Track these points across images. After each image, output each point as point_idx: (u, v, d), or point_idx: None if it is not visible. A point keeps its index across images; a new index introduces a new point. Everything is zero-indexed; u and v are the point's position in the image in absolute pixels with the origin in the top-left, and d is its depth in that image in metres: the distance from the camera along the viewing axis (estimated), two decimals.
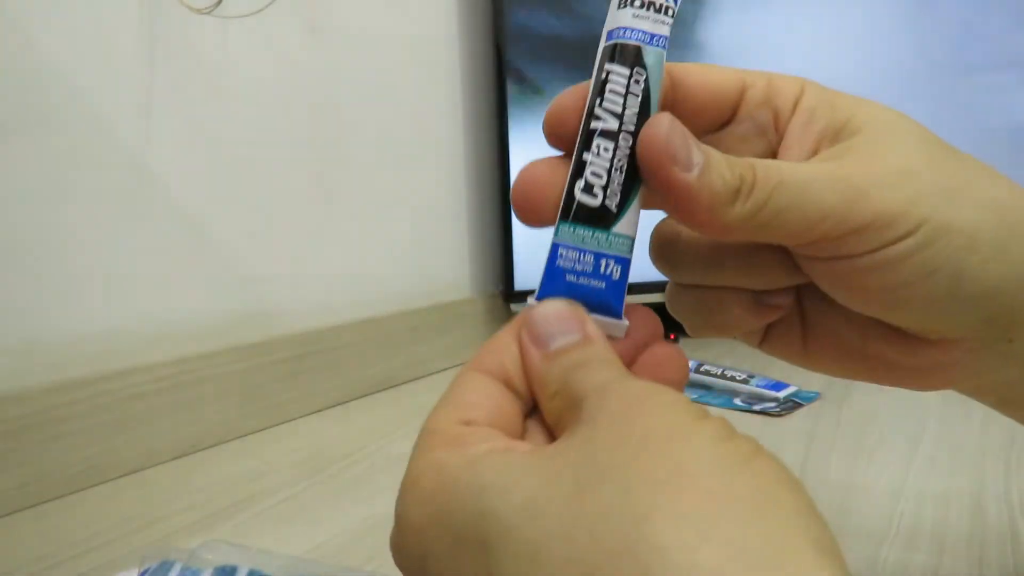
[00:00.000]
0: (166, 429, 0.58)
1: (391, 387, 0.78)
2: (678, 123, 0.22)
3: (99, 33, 0.56)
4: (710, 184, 0.21)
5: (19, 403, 0.49)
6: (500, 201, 0.94)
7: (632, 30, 0.23)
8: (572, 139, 0.23)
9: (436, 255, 0.88)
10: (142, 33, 0.59)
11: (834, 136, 0.25)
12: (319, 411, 0.71)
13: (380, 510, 0.47)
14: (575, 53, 0.86)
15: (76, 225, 0.55)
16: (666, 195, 0.22)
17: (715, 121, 0.26)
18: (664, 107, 0.24)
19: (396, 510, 0.21)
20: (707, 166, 0.21)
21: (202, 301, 0.64)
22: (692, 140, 0.22)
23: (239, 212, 0.67)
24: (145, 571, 0.36)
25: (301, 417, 0.69)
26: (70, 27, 0.54)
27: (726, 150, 0.23)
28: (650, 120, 0.22)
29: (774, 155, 0.26)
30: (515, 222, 0.83)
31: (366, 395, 0.76)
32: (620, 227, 0.23)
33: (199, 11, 0.62)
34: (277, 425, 0.67)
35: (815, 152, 0.25)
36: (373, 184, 0.80)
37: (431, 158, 0.89)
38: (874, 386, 0.29)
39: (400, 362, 0.80)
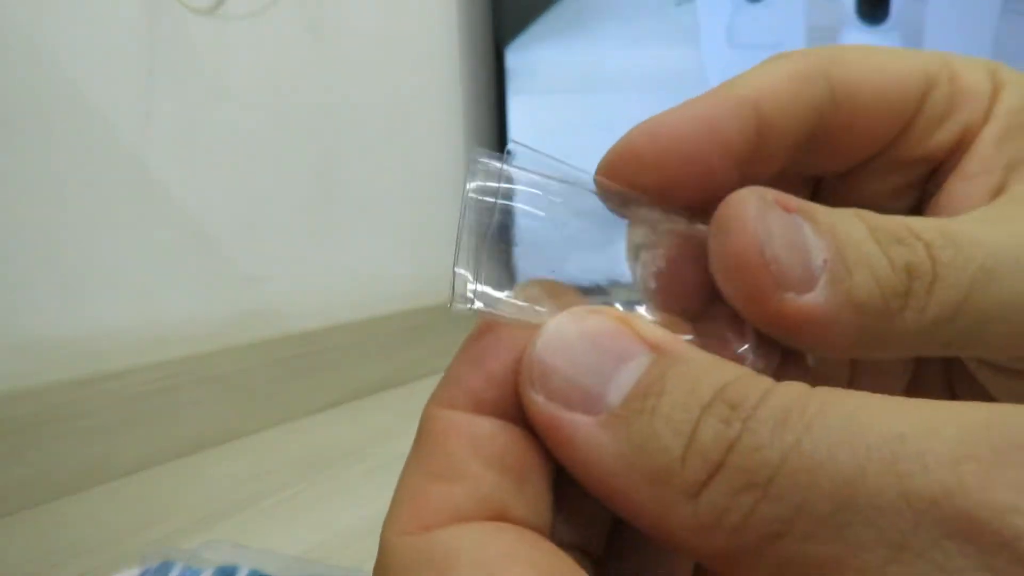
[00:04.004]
0: (166, 429, 0.58)
1: (391, 387, 0.78)
2: (770, 197, 0.13)
3: (99, 33, 0.56)
4: (853, 300, 0.13)
5: (19, 403, 0.49)
6: None
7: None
8: None
9: (436, 255, 0.88)
10: (142, 33, 0.59)
11: None
12: (319, 411, 0.71)
13: (380, 510, 0.47)
14: (575, 52, 0.87)
15: (76, 225, 0.55)
16: (767, 328, 0.13)
17: (872, 150, 0.18)
18: (811, 137, 0.16)
19: None
20: (838, 269, 0.13)
21: (202, 301, 0.64)
22: (804, 223, 0.13)
23: (239, 212, 0.67)
24: (145, 571, 0.36)
25: (301, 417, 0.69)
26: (70, 27, 0.54)
27: (862, 186, 0.16)
28: (727, 201, 0.13)
29: (928, 201, 0.18)
30: None
31: (366, 395, 0.76)
32: None
33: (199, 11, 0.62)
34: (277, 425, 0.67)
35: (1000, 190, 0.16)
36: (373, 184, 0.80)
37: (431, 158, 0.89)
38: None
39: (400, 362, 0.80)
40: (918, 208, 0.18)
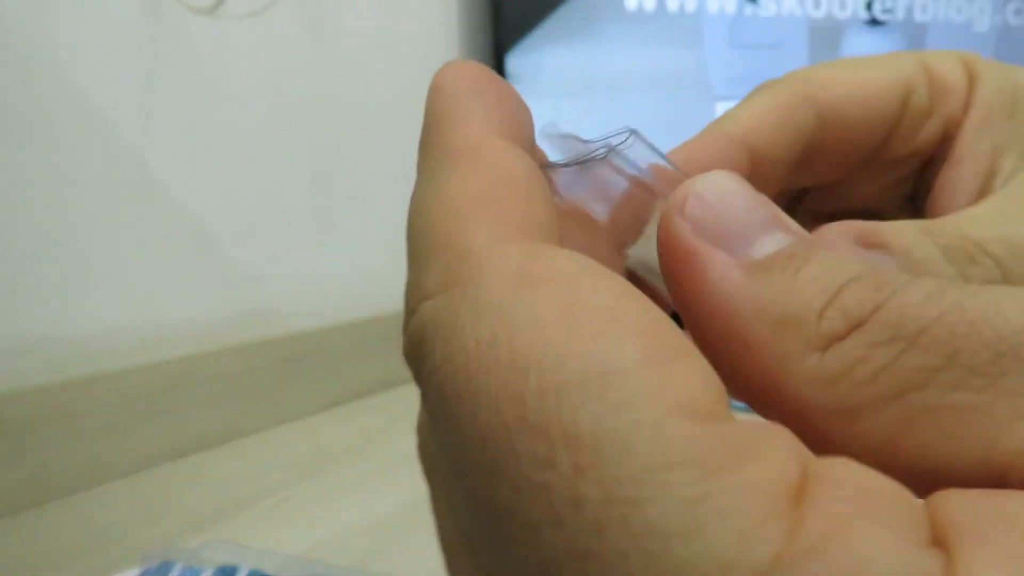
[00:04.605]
0: (166, 429, 0.58)
1: (391, 387, 0.78)
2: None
3: (99, 33, 0.56)
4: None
5: (19, 403, 0.49)
6: None
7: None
8: None
9: None
10: (142, 33, 0.59)
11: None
12: (319, 411, 0.71)
13: (380, 510, 0.47)
14: (575, 53, 0.86)
15: (76, 225, 0.55)
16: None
17: (862, 156, 0.19)
18: (803, 158, 0.18)
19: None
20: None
21: (202, 301, 0.64)
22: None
23: (239, 212, 0.67)
24: (145, 571, 0.36)
25: (301, 417, 0.69)
26: (70, 27, 0.54)
27: (852, 188, 0.17)
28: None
29: (922, 194, 0.19)
30: None
31: (366, 395, 0.76)
32: None
33: (199, 11, 0.62)
34: (277, 425, 0.67)
35: (990, 173, 0.17)
36: (373, 184, 0.80)
37: None
38: None
39: (400, 362, 0.79)
40: (913, 198, 0.19)
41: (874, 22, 0.97)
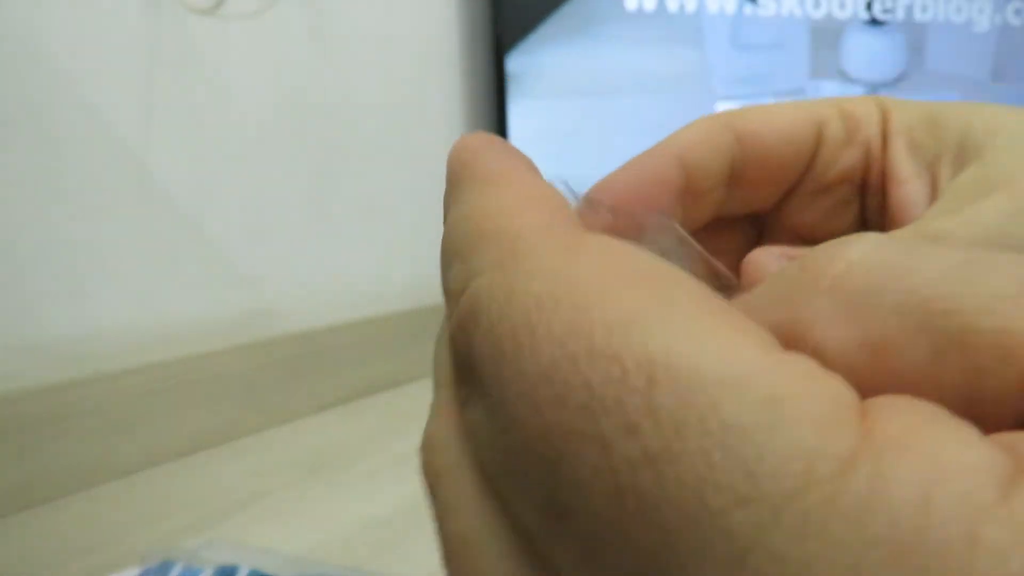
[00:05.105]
0: (166, 429, 0.58)
1: (391, 387, 0.78)
2: (777, 252, 0.19)
3: (99, 33, 0.56)
4: None
5: (19, 403, 0.49)
6: None
7: None
8: None
9: (436, 254, 0.88)
10: (142, 33, 0.59)
11: (955, 161, 0.19)
12: (319, 411, 0.71)
13: (380, 510, 0.47)
14: (575, 53, 0.86)
15: (76, 225, 0.55)
16: None
17: (789, 180, 0.22)
18: (731, 175, 0.21)
19: None
20: None
21: (202, 301, 0.64)
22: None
23: (239, 212, 0.67)
24: (145, 571, 0.36)
25: (301, 417, 0.69)
26: (70, 28, 0.54)
27: (809, 222, 0.20)
28: (748, 259, 0.20)
29: (874, 219, 0.21)
30: None
31: (366, 395, 0.76)
32: None
33: (199, 11, 0.62)
34: (277, 425, 0.67)
35: (934, 183, 0.19)
36: (373, 184, 0.80)
37: (431, 158, 0.89)
38: None
39: (400, 362, 0.80)
40: (860, 222, 0.22)
41: (874, 22, 0.97)
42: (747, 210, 0.22)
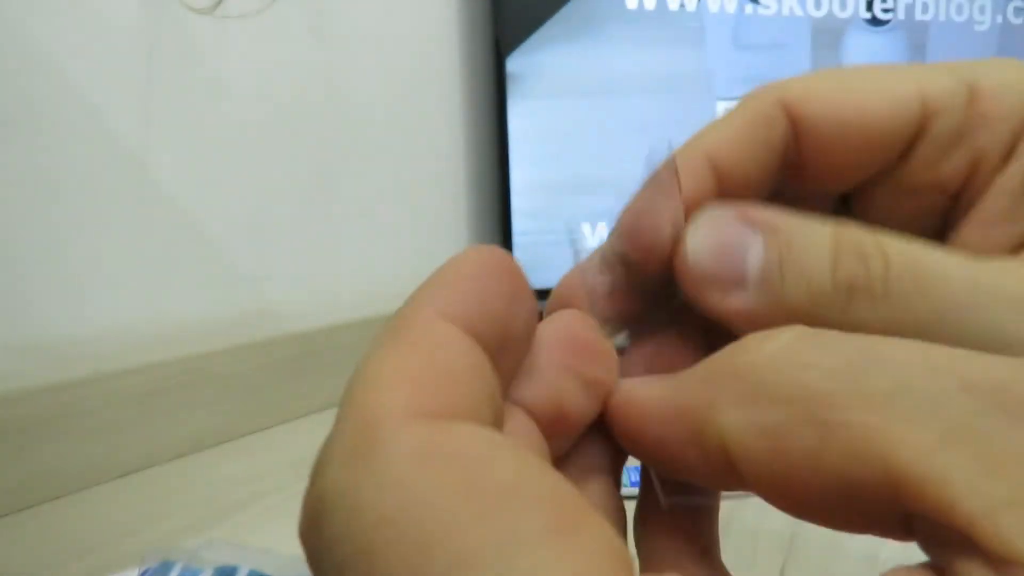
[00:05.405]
0: (166, 429, 0.58)
1: None
2: (729, 211, 0.15)
3: (99, 33, 0.56)
4: (784, 305, 0.14)
5: (19, 403, 0.49)
6: (499, 200, 0.94)
7: None
8: None
9: (436, 254, 0.88)
10: (142, 33, 0.59)
11: None
12: (319, 411, 0.71)
13: None
14: (576, 53, 0.86)
15: (76, 225, 0.55)
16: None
17: (857, 179, 0.17)
18: (783, 167, 0.17)
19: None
20: (772, 275, 0.14)
21: (202, 301, 0.64)
22: (754, 232, 0.15)
23: (239, 212, 0.67)
24: (145, 571, 0.36)
25: (301, 417, 0.69)
26: (70, 28, 0.54)
27: (882, 207, 0.17)
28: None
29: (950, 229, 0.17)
30: (514, 221, 0.83)
31: None
32: None
33: (198, 10, 0.62)
34: (277, 425, 0.67)
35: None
36: (373, 184, 0.80)
37: (431, 157, 0.89)
38: None
39: None
40: (943, 234, 0.17)
41: (875, 21, 0.97)
42: (808, 191, 0.18)
